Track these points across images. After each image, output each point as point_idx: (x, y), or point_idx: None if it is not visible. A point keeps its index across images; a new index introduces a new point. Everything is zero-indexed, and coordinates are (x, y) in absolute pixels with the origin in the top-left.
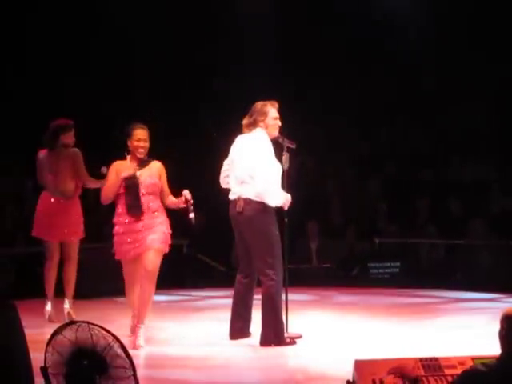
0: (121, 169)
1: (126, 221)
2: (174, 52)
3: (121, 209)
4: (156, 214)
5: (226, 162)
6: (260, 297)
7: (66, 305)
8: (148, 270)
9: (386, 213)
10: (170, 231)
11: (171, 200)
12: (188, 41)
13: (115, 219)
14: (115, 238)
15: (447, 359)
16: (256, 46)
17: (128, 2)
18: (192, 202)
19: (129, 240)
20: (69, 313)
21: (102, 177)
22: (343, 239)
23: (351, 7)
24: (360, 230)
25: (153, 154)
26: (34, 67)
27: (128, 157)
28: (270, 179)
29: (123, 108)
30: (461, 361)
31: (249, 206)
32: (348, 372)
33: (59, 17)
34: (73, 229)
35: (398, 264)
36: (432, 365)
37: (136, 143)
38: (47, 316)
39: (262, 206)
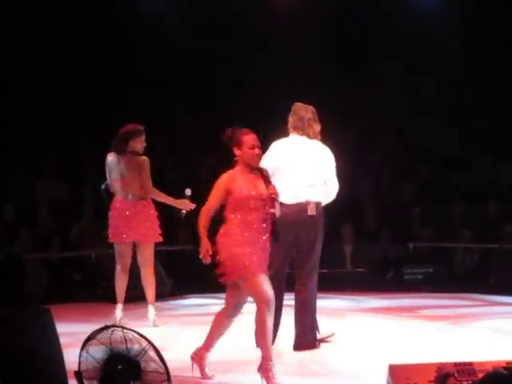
0: (236, 186)
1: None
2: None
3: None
4: None
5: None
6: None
7: (151, 311)
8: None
9: (421, 217)
10: None
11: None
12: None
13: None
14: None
15: (481, 364)
16: (289, 47)
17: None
18: (276, 195)
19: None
20: (154, 320)
21: (185, 198)
22: (377, 243)
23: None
24: (394, 234)
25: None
26: None
27: (238, 167)
28: None
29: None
30: (495, 366)
31: (319, 210)
32: (382, 377)
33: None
34: (143, 231)
35: (433, 268)
36: (466, 369)
37: (251, 151)
38: (118, 320)
39: (323, 210)
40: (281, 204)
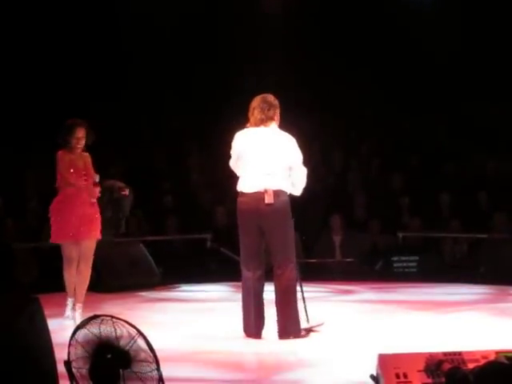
0: None
1: None
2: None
3: None
4: None
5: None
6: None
7: (77, 310)
8: None
9: (409, 207)
10: None
11: None
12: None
13: None
14: None
15: (471, 353)
16: (270, 40)
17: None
18: None
19: None
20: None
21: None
22: (366, 233)
23: None
24: (383, 224)
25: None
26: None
27: None
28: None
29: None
30: (484, 355)
31: (279, 198)
32: (372, 366)
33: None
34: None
35: (422, 258)
36: (456, 359)
37: None
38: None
39: (288, 198)
40: (241, 193)
